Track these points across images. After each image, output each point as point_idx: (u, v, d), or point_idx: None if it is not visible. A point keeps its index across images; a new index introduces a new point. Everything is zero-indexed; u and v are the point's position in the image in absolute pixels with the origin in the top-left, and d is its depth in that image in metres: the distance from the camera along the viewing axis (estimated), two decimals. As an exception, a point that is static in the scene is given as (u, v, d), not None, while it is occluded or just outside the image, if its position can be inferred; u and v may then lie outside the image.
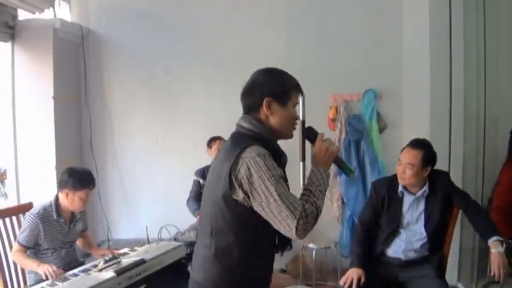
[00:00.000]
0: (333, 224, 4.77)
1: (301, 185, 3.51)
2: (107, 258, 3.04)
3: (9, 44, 4.59)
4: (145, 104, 5.22)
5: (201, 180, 4.43)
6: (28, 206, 3.43)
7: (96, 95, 5.26)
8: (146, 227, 3.47)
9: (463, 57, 4.03)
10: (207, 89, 5.09)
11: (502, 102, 4.24)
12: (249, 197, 1.78)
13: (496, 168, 3.98)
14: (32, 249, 3.13)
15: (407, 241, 3.08)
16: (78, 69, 5.21)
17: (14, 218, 3.39)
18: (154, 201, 5.19)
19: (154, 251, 3.22)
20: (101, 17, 5.21)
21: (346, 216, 4.79)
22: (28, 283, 3.21)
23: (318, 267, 4.49)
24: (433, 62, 4.14)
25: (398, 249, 3.11)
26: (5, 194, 4.93)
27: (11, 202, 4.56)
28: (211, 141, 4.50)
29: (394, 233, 3.11)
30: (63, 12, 5.15)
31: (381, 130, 4.76)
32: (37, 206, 3.21)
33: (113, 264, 2.92)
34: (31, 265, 3.03)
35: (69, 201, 3.16)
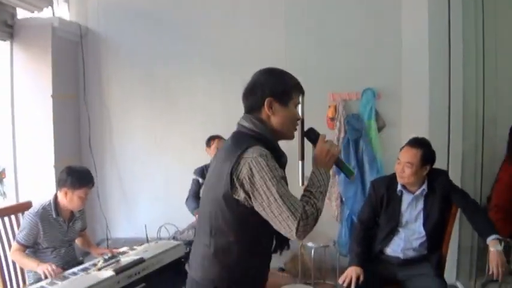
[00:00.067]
0: (332, 223, 4.77)
1: (300, 184, 3.52)
2: (106, 257, 3.03)
3: (8, 42, 4.58)
4: (144, 102, 5.22)
5: (200, 179, 4.43)
6: (27, 205, 3.42)
7: (94, 93, 5.25)
8: (145, 226, 3.46)
9: (462, 56, 4.03)
10: (206, 88, 5.09)
11: (500, 101, 4.24)
12: (250, 197, 1.78)
13: (495, 167, 3.98)
14: (31, 248, 3.12)
15: (406, 240, 3.09)
16: (76, 68, 5.20)
17: (12, 217, 3.38)
18: (153, 200, 5.19)
19: (154, 250, 3.22)
20: (100, 15, 5.20)
21: (345, 215, 4.79)
22: (27, 282, 3.21)
23: (316, 265, 4.49)
24: (432, 61, 4.15)
25: (397, 248, 3.11)
26: (4, 193, 4.91)
27: (10, 201, 4.55)
28: (210, 140, 4.50)
29: (393, 231, 3.12)
30: (62, 11, 5.14)
31: (380, 129, 4.76)
32: (36, 205, 3.21)
33: (112, 263, 2.92)
34: (30, 264, 3.03)
35: (68, 200, 3.16)
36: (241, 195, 1.79)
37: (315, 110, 4.29)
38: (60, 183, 3.17)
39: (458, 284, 4.14)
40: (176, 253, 3.30)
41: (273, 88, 1.91)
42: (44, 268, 2.88)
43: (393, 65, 4.73)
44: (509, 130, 3.90)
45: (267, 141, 1.89)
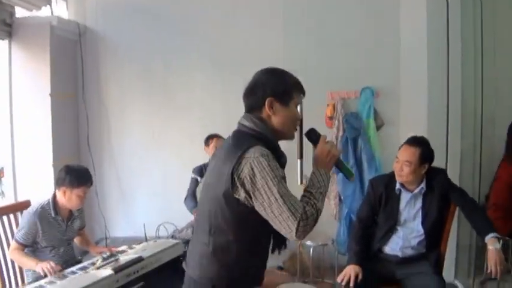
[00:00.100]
0: (330, 222, 4.78)
1: (299, 182, 3.53)
2: (105, 255, 3.04)
3: (6, 41, 4.57)
4: (142, 101, 5.21)
5: (199, 178, 4.43)
6: (25, 204, 3.42)
7: (93, 92, 5.25)
8: (144, 225, 3.47)
9: (461, 55, 4.03)
10: (204, 84, 5.09)
11: (499, 100, 4.25)
12: (250, 197, 1.78)
13: (493, 166, 4.00)
14: (30, 247, 3.12)
15: (405, 238, 3.09)
16: (75, 67, 5.20)
17: (11, 216, 3.38)
18: (151, 199, 5.19)
19: (152, 248, 3.22)
20: (98, 14, 5.19)
21: (344, 213, 4.80)
22: (26, 281, 3.20)
23: (315, 264, 4.50)
24: (430, 59, 4.15)
25: (395, 246, 3.12)
26: (2, 192, 4.91)
27: (8, 200, 4.55)
28: (208, 139, 4.49)
29: (391, 230, 3.13)
30: (60, 10, 5.13)
31: (378, 128, 4.77)
32: (35, 204, 3.21)
33: (111, 262, 2.93)
34: (29, 263, 3.02)
35: (67, 199, 3.15)
36: (241, 195, 1.79)
37: (313, 108, 4.28)
38: (58, 182, 3.17)
39: (456, 282, 4.14)
40: (175, 252, 3.30)
41: (274, 88, 1.91)
42: (43, 266, 2.87)
43: (392, 63, 4.74)
44: (508, 129, 3.91)
45: (268, 140, 1.89)
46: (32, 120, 4.62)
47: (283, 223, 1.72)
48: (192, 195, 4.45)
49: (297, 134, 2.07)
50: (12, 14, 4.57)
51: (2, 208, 3.45)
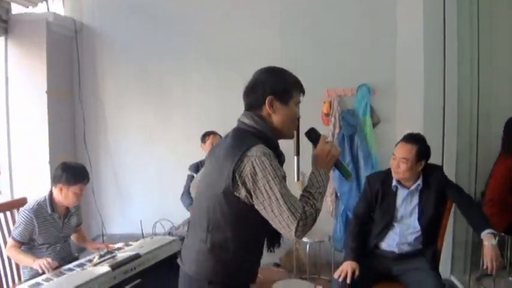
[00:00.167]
0: (327, 218, 4.80)
1: (296, 179, 3.53)
2: (102, 252, 3.04)
3: (2, 38, 4.56)
4: (139, 98, 5.22)
5: (195, 175, 4.43)
6: (22, 201, 3.41)
7: (89, 89, 5.25)
8: (141, 222, 3.47)
9: (457, 53, 4.04)
10: (200, 82, 5.10)
11: (495, 99, 4.26)
12: (251, 196, 1.79)
13: (489, 164, 4.01)
14: (27, 244, 3.12)
15: (401, 234, 3.10)
16: (71, 64, 5.19)
17: (8, 213, 3.38)
18: (148, 196, 5.20)
19: (149, 245, 3.22)
20: (95, 11, 5.19)
21: (340, 210, 4.82)
22: (23, 278, 3.20)
23: (311, 261, 4.51)
24: (427, 57, 4.15)
25: (392, 242, 3.13)
26: (-1, 189, 4.92)
27: (5, 197, 4.54)
28: (205, 136, 4.49)
29: (388, 226, 3.14)
30: (57, 6, 5.12)
31: (375, 125, 4.78)
32: (31, 201, 3.20)
33: (108, 258, 2.92)
34: (26, 260, 3.02)
35: (63, 196, 3.15)
36: (242, 193, 1.80)
37: (310, 106, 4.28)
38: (55, 180, 3.17)
39: (452, 278, 4.16)
40: (172, 248, 3.30)
41: (274, 86, 1.92)
42: (40, 262, 2.87)
43: (388, 61, 4.75)
44: (504, 125, 3.93)
45: (268, 139, 1.90)
46: (28, 117, 4.62)
47: (283, 222, 1.73)
48: (188, 192, 4.45)
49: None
50: (8, 10, 4.56)
51: (-1, 205, 3.45)
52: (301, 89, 1.99)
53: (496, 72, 4.24)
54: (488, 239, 2.76)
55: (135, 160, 5.25)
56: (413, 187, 3.08)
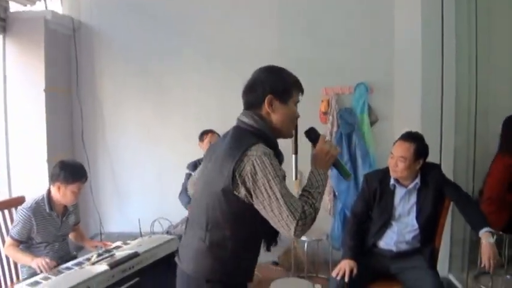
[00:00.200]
0: (325, 217, 4.79)
1: (294, 178, 3.53)
2: (100, 251, 3.04)
3: (0, 36, 4.55)
4: (137, 97, 5.20)
5: (193, 173, 4.43)
6: (20, 200, 3.41)
7: (87, 87, 5.23)
8: (139, 220, 3.47)
9: (455, 52, 4.04)
10: (199, 81, 5.08)
11: (493, 96, 4.27)
12: (251, 195, 1.79)
13: (487, 162, 4.02)
14: (25, 243, 3.11)
15: (399, 233, 3.11)
16: (69, 62, 5.18)
17: (6, 211, 3.37)
18: (146, 194, 5.19)
19: (147, 244, 3.23)
20: (93, 9, 5.17)
21: (338, 209, 4.82)
22: (21, 277, 3.20)
23: (309, 259, 4.52)
24: (424, 55, 4.15)
25: (390, 241, 3.13)
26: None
27: (3, 196, 4.53)
28: (203, 134, 4.49)
29: (385, 225, 3.14)
30: (55, 5, 5.10)
31: (372, 123, 4.78)
32: (29, 200, 3.20)
33: (106, 257, 2.93)
34: (24, 259, 3.02)
35: (61, 194, 3.15)
36: (241, 192, 1.80)
37: (307, 104, 4.27)
38: (53, 178, 3.16)
39: (450, 276, 4.16)
40: (170, 247, 3.30)
41: (274, 86, 1.92)
42: (38, 262, 2.87)
43: (386, 59, 4.75)
44: (502, 123, 3.94)
45: (267, 138, 1.90)
46: (26, 115, 4.61)
47: (282, 222, 1.74)
48: (186, 190, 4.45)
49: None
50: (6, 8, 4.54)
51: (-3, 204, 3.44)
52: (300, 89, 1.99)
53: (494, 70, 4.25)
54: (486, 237, 2.76)
55: (133, 159, 5.24)
56: (411, 186, 3.08)
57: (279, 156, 1.93)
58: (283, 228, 1.75)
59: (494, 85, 4.25)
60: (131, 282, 2.90)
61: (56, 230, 3.22)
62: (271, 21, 4.89)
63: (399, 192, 3.12)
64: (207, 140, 4.39)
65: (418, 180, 3.07)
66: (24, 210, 3.09)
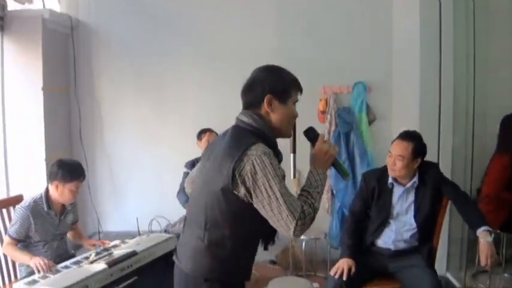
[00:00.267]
0: (323, 216, 4.78)
1: (292, 176, 3.53)
2: (98, 250, 3.04)
3: (-2, 35, 4.56)
4: (135, 95, 5.20)
5: (191, 172, 4.42)
6: (18, 199, 3.40)
7: (85, 86, 5.22)
8: (137, 219, 3.47)
9: (453, 51, 4.05)
10: (198, 79, 5.09)
11: (491, 96, 4.28)
12: (250, 194, 1.79)
13: (485, 162, 4.03)
14: (23, 242, 3.11)
15: (397, 232, 3.11)
16: (67, 61, 5.17)
17: (4, 210, 3.36)
18: (144, 193, 5.19)
19: (146, 243, 3.23)
20: (90, 7, 5.16)
21: (336, 207, 4.83)
22: (19, 276, 3.19)
23: (307, 258, 4.52)
24: (423, 55, 4.16)
25: (388, 239, 3.14)
26: (-6, 186, 4.89)
27: (1, 195, 4.52)
28: (201, 133, 4.49)
29: (384, 223, 3.14)
30: (52, 3, 5.09)
31: (370, 122, 4.80)
32: (27, 199, 3.19)
33: (105, 256, 2.93)
34: (23, 258, 3.01)
35: (59, 193, 3.14)
36: (241, 192, 1.80)
37: (306, 103, 4.28)
38: (51, 177, 3.16)
39: (448, 275, 4.17)
40: (168, 246, 3.30)
41: (273, 85, 1.92)
42: (36, 262, 2.86)
43: (384, 58, 4.77)
44: (500, 123, 3.95)
45: (267, 137, 1.90)
46: (24, 114, 4.60)
47: (281, 221, 1.74)
48: (184, 189, 4.44)
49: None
50: (4, 7, 4.53)
51: (-5, 203, 3.43)
52: (299, 88, 1.99)
53: (492, 70, 4.26)
54: (484, 236, 2.76)
55: (131, 158, 5.24)
56: (409, 184, 3.08)
57: (278, 155, 1.93)
58: (283, 228, 1.75)
59: (492, 84, 4.27)
60: (129, 281, 2.90)
61: (54, 229, 3.22)
62: (270, 21, 4.89)
63: (397, 191, 3.12)
64: (205, 138, 4.38)
65: (416, 179, 3.07)
66: (22, 209, 3.08)
